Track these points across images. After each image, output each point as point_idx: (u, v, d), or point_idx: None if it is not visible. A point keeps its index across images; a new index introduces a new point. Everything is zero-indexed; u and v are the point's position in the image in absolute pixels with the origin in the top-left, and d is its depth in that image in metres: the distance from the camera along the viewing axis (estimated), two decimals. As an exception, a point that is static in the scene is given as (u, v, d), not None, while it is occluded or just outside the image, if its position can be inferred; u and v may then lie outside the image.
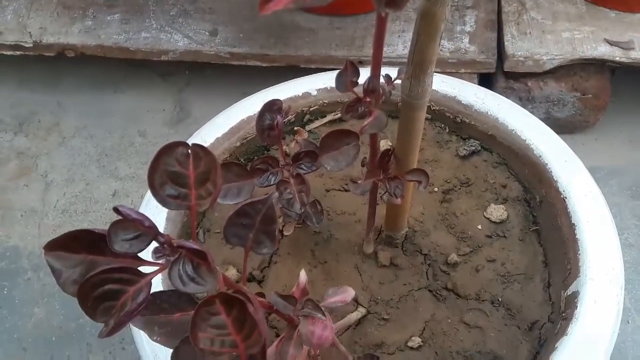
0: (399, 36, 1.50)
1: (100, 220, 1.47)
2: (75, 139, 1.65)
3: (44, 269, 1.40)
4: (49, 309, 1.35)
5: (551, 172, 0.93)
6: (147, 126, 1.67)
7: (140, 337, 0.80)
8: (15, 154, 1.63)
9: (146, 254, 0.47)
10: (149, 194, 0.90)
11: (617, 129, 1.59)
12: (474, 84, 1.06)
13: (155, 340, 0.53)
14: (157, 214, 0.88)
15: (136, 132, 1.66)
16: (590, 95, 1.47)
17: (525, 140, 0.97)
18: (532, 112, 1.01)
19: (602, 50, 1.40)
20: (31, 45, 1.59)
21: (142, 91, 1.75)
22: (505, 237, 0.94)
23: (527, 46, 1.42)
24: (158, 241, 0.46)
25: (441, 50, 1.46)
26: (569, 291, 0.83)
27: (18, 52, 1.61)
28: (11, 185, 1.56)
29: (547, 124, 0.99)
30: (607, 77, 1.46)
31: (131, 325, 0.69)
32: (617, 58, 1.39)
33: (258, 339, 0.44)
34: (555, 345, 0.77)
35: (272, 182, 0.77)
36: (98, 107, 1.72)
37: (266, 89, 1.06)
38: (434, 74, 0.71)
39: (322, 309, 0.62)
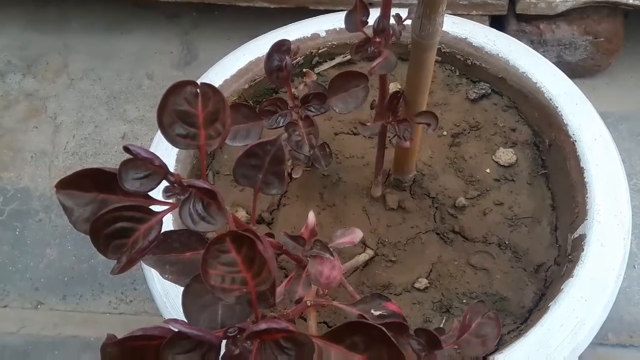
0: (409, -23, 1.47)
1: (110, 163, 1.48)
2: (84, 81, 1.64)
3: (55, 211, 1.42)
4: (61, 250, 1.37)
5: (561, 115, 0.92)
6: (154, 68, 1.66)
7: (152, 275, 0.81)
8: (24, 95, 1.62)
9: (157, 194, 0.47)
10: (158, 135, 0.90)
11: (628, 73, 1.57)
12: (485, 26, 1.05)
13: (167, 279, 0.54)
14: (166, 155, 0.88)
15: (144, 75, 1.65)
16: (602, 39, 1.45)
17: (536, 83, 0.96)
18: (543, 56, 1.00)
19: (616, -8, 1.37)
20: (37, -15, 1.57)
21: (149, 33, 1.73)
22: (513, 180, 0.94)
23: (540, -12, 1.40)
24: (168, 180, 0.46)
25: (452, -9, 1.43)
26: (576, 234, 0.83)
27: (24, -7, 1.59)
28: (21, 127, 1.57)
29: (558, 68, 0.98)
30: (620, 20, 1.43)
31: (143, 265, 0.70)
32: (631, 1, 1.37)
33: (268, 276, 0.44)
34: (561, 287, 0.78)
35: (280, 124, 0.77)
36: (105, 48, 1.70)
37: (274, 30, 1.05)
38: (445, 15, 0.70)
39: (330, 249, 0.63)
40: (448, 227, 0.91)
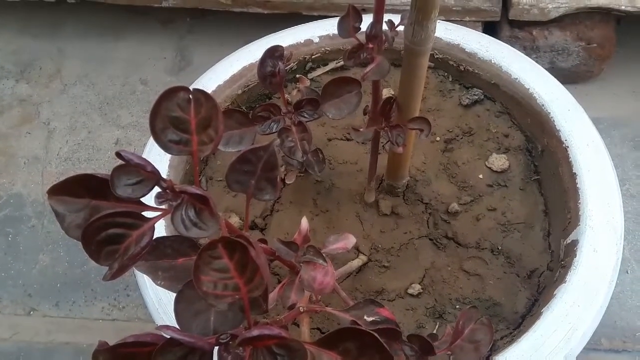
0: (403, -17, 1.48)
1: (103, 168, 1.48)
2: (77, 86, 1.64)
3: (48, 217, 1.41)
4: (54, 256, 1.37)
5: (554, 121, 0.92)
6: (148, 74, 1.66)
7: (144, 281, 0.81)
8: (18, 101, 1.62)
9: (149, 200, 0.47)
10: (150, 141, 0.90)
11: (621, 79, 1.57)
12: (478, 32, 1.05)
13: (159, 285, 0.53)
14: (159, 161, 0.88)
15: (138, 80, 1.65)
16: (595, 45, 1.45)
17: (528, 89, 0.96)
18: (536, 62, 1.01)
19: (609, -1, 1.38)
20: (31, -10, 1.57)
21: (143, 38, 1.73)
22: (506, 186, 0.95)
23: (532, -6, 1.40)
24: (160, 186, 0.46)
25: (446, -2, 1.44)
26: (569, 240, 0.84)
27: (19, -2, 1.59)
28: (14, 133, 1.56)
29: (551, 74, 0.98)
30: (613, 26, 1.44)
31: (135, 271, 0.70)
32: (623, 7, 1.37)
33: (260, 282, 0.44)
34: (554, 293, 0.78)
35: (274, 130, 0.77)
36: (99, 54, 1.70)
37: (268, 35, 1.05)
38: (438, 21, 0.70)
39: (324, 255, 0.63)
40: (441, 233, 0.91)
